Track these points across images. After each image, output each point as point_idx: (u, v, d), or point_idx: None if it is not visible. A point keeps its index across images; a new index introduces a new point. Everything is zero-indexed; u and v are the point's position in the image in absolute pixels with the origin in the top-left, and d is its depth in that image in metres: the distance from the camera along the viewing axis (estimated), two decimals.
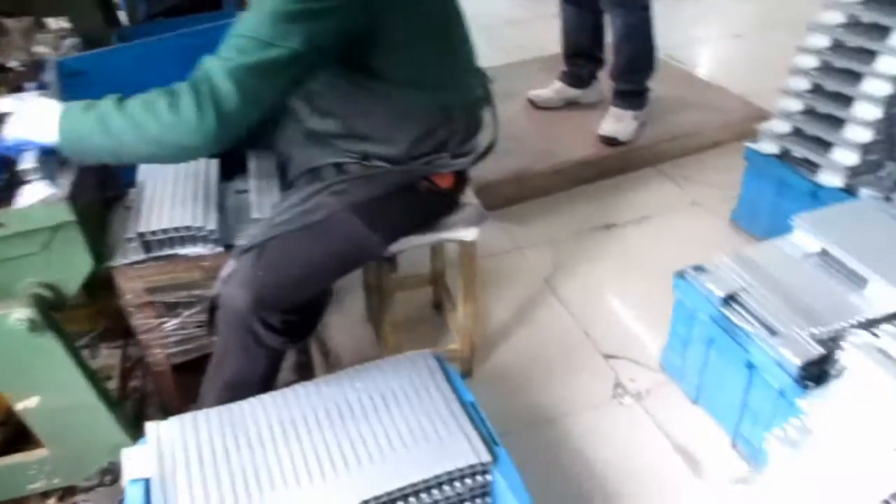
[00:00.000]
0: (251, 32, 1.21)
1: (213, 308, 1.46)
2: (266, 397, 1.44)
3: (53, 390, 1.52)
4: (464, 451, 1.30)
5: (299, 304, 1.46)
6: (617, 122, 2.93)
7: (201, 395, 1.54)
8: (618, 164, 2.96)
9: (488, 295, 2.33)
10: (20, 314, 1.40)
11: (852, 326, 1.54)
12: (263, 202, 1.62)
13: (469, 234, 1.68)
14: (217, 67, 1.20)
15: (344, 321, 2.19)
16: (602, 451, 1.81)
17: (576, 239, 2.60)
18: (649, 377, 2.01)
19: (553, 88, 3.18)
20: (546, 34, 3.06)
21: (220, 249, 1.53)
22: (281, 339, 1.44)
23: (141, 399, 1.93)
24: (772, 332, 1.57)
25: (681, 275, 1.82)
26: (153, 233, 1.51)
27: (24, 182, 1.37)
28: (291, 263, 1.41)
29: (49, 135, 1.27)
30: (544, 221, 2.70)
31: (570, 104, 3.18)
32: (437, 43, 1.45)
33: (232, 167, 1.74)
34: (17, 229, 1.37)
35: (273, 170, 1.74)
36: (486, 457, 1.30)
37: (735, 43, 4.26)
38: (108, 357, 2.02)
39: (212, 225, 1.52)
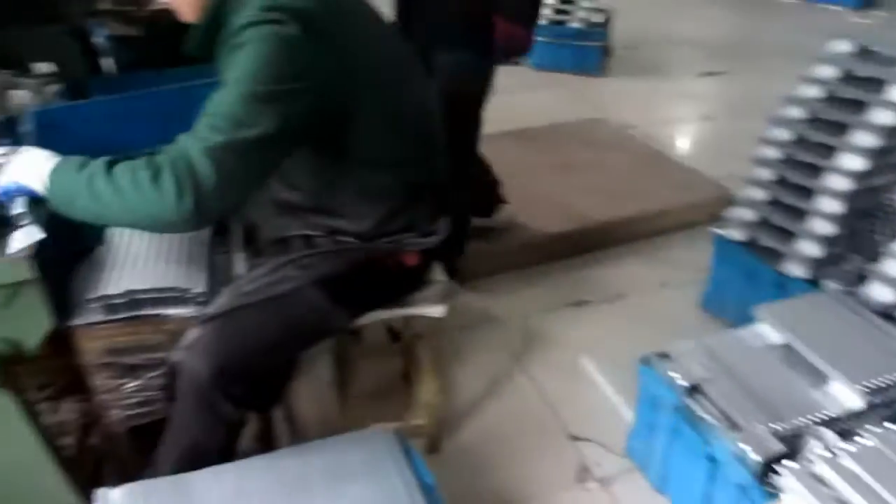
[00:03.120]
0: (223, 111, 1.21)
1: (173, 374, 1.44)
2: (221, 468, 1.41)
3: (4, 448, 1.48)
4: None
5: (262, 376, 1.45)
6: None
7: (156, 461, 1.51)
8: (591, 240, 3.01)
9: (456, 367, 2.32)
10: None
11: (814, 423, 1.56)
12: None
13: (435, 310, 1.68)
14: (194, 146, 1.20)
15: (311, 388, 2.15)
16: None
17: (547, 315, 2.62)
18: (615, 462, 2.00)
19: None
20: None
21: (190, 313, 1.52)
22: (240, 411, 1.42)
23: (98, 458, 1.88)
24: (734, 425, 1.58)
25: (645, 361, 1.83)
26: (120, 294, 1.49)
27: (15, 227, 1.35)
28: (255, 335, 1.40)
29: (39, 185, 1.27)
30: (516, 295, 2.72)
31: None
32: (404, 124, 1.48)
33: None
34: None
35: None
36: None
37: (706, 125, 4.40)
38: (68, 411, 1.97)
39: (200, 287, 1.51)
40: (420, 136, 1.52)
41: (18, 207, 1.32)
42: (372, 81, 1.37)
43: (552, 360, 2.39)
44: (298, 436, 2.02)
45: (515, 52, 2.40)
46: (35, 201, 1.33)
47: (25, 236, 1.35)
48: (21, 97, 2.06)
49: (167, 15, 3.66)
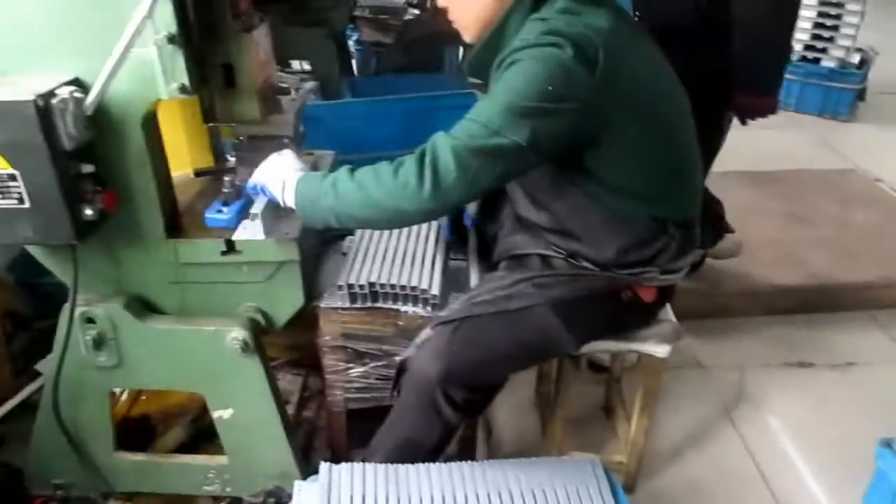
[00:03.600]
0: (482, 119, 1.29)
1: (401, 369, 1.52)
2: (433, 467, 1.48)
3: (247, 407, 1.66)
4: None
5: (482, 386, 1.49)
6: None
7: (372, 447, 1.61)
8: (821, 299, 2.76)
9: (661, 408, 2.24)
10: (236, 334, 1.55)
11: None
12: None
13: (661, 350, 1.64)
14: (444, 143, 1.29)
15: (511, 403, 2.19)
16: None
17: (764, 371, 2.44)
18: None
19: None
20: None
21: (422, 312, 1.61)
22: (458, 415, 1.48)
23: (310, 431, 2.04)
24: None
25: (887, 443, 1.64)
26: (362, 286, 1.61)
27: (247, 218, 1.54)
28: (484, 346, 1.45)
29: (286, 195, 1.40)
30: (732, 344, 2.57)
31: None
32: (661, 156, 1.45)
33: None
34: (250, 259, 1.53)
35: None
36: None
37: None
38: (289, 383, 2.16)
39: (435, 290, 1.60)
40: (675, 173, 1.49)
41: (258, 206, 1.49)
42: (633, 115, 1.36)
43: (766, 419, 2.22)
44: (493, 446, 2.07)
45: (755, 116, 2.18)
46: (274, 205, 1.47)
47: (249, 231, 1.51)
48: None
49: (418, 26, 3.90)
